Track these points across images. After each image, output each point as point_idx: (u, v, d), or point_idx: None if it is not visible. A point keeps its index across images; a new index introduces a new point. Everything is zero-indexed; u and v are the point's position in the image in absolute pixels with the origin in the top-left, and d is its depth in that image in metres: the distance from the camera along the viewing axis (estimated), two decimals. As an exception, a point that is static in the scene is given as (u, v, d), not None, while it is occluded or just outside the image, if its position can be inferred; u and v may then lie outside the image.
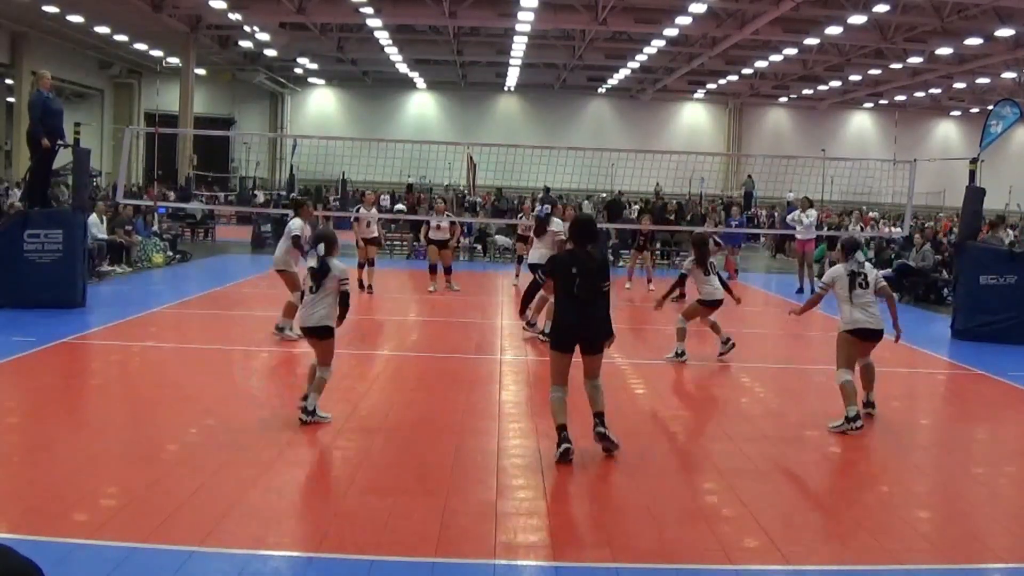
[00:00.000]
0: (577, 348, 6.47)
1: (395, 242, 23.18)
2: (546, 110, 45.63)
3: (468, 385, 8.86)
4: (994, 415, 8.94)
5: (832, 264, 8.82)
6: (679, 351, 10.28)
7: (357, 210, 16.65)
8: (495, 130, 42.56)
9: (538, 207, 13.06)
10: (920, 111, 45.00)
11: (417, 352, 10.74)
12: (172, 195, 28.97)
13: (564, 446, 6.23)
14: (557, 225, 11.93)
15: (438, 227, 15.81)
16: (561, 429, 6.32)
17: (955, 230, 23.20)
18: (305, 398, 6.97)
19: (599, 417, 6.48)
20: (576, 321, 6.40)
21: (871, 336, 7.64)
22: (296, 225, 10.47)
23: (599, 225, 21.98)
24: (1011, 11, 25.10)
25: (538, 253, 11.56)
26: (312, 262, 7.19)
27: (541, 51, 36.03)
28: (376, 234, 15.62)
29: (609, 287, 6.52)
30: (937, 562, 4.85)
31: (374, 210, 16.26)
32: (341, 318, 7.12)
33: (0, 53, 32.44)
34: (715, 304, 10.43)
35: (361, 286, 14.58)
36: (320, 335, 7.02)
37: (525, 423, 7.31)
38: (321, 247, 7.09)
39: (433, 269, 15.84)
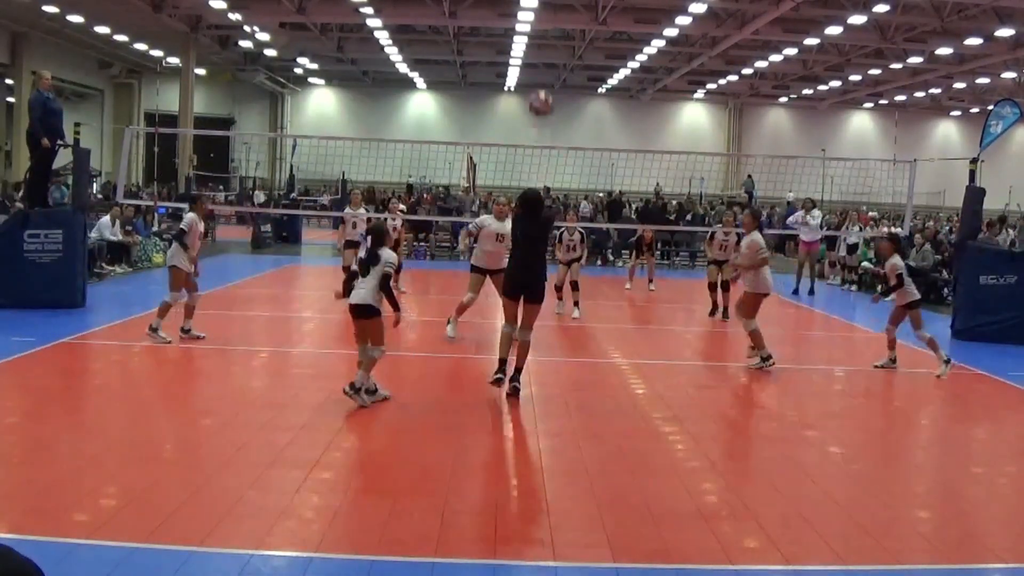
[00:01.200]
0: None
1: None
2: (546, 110, 45.57)
3: (468, 385, 8.86)
4: (994, 415, 8.94)
5: (752, 236, 10.34)
6: (946, 359, 9.94)
7: (343, 210, 16.20)
8: (495, 130, 42.55)
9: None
10: (920, 111, 45.00)
11: (417, 352, 10.73)
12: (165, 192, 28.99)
13: (498, 376, 7.94)
14: (482, 221, 11.09)
15: (394, 229, 15.62)
16: (502, 362, 7.99)
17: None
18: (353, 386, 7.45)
19: (518, 372, 7.96)
20: (520, 273, 8.01)
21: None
22: (186, 220, 10.23)
23: (601, 225, 22.08)
24: (1011, 11, 25.11)
25: (476, 250, 11.10)
26: (362, 253, 7.76)
27: (541, 51, 36.03)
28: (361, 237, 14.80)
29: (545, 250, 8.31)
30: (937, 562, 4.85)
31: (361, 210, 15.31)
32: (391, 300, 7.57)
33: (0, 53, 32.44)
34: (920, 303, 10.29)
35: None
36: (364, 314, 7.46)
37: (525, 423, 7.31)
38: (370, 239, 7.66)
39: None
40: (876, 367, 10.20)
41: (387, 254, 7.57)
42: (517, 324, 8.12)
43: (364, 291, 7.47)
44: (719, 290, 14.09)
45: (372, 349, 7.48)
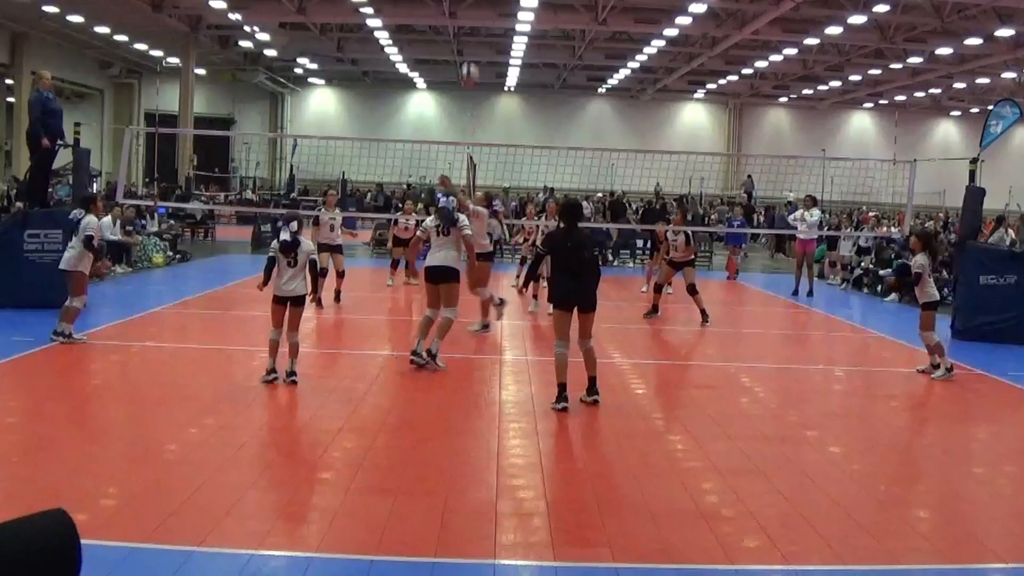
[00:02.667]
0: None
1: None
2: (546, 110, 45.61)
3: (468, 385, 8.85)
4: (994, 415, 8.94)
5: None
6: (948, 367, 9.75)
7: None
8: (495, 130, 42.55)
9: (441, 198, 9.83)
10: (920, 111, 44.99)
11: (417, 352, 10.73)
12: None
13: (562, 404, 7.60)
14: (466, 223, 9.58)
15: (406, 228, 16.22)
16: (562, 387, 7.68)
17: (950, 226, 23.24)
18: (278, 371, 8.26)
19: (592, 381, 7.83)
20: (575, 283, 7.76)
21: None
22: (91, 223, 9.74)
23: (602, 225, 22.06)
24: (1011, 11, 25.09)
25: (441, 255, 9.37)
26: (285, 236, 8.17)
27: (541, 51, 36.03)
28: (339, 241, 13.75)
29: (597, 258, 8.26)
30: (937, 562, 4.85)
31: (336, 211, 14.33)
32: (313, 285, 8.42)
33: (0, 53, 32.44)
34: (936, 305, 10.02)
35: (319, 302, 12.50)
36: (300, 303, 8.32)
37: (525, 423, 7.30)
38: (294, 224, 8.24)
39: (395, 264, 16.32)
40: (919, 371, 10.04)
41: (307, 243, 8.38)
42: (568, 340, 7.77)
43: (301, 282, 8.26)
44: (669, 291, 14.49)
45: (294, 335, 8.28)
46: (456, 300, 9.33)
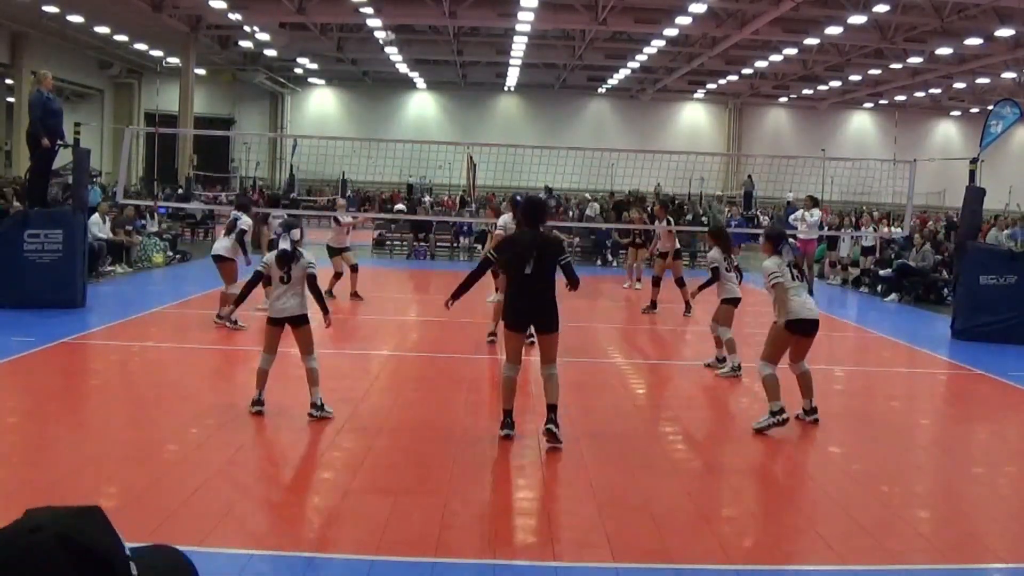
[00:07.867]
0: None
1: (395, 242, 23.35)
2: (546, 110, 45.60)
3: (468, 385, 8.85)
4: (994, 415, 8.94)
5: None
6: (735, 365, 9.40)
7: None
8: (495, 130, 42.54)
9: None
10: (920, 111, 44.99)
11: (417, 352, 10.74)
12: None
13: (506, 432, 6.60)
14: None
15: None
16: (507, 413, 6.70)
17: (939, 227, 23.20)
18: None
19: (552, 411, 6.59)
20: (528, 300, 6.61)
21: (813, 328, 7.40)
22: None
23: (601, 226, 22.02)
24: (1011, 11, 25.09)
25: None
26: (284, 245, 7.07)
27: (541, 51, 36.02)
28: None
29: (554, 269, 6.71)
30: (937, 562, 4.85)
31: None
32: (321, 304, 7.35)
33: (0, 53, 32.43)
34: (737, 302, 9.72)
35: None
36: (300, 323, 7.18)
37: (525, 423, 7.30)
38: (296, 232, 7.08)
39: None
40: (706, 365, 9.83)
41: (306, 258, 7.13)
42: (520, 363, 6.89)
43: (299, 299, 7.22)
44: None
45: (310, 359, 7.22)
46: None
